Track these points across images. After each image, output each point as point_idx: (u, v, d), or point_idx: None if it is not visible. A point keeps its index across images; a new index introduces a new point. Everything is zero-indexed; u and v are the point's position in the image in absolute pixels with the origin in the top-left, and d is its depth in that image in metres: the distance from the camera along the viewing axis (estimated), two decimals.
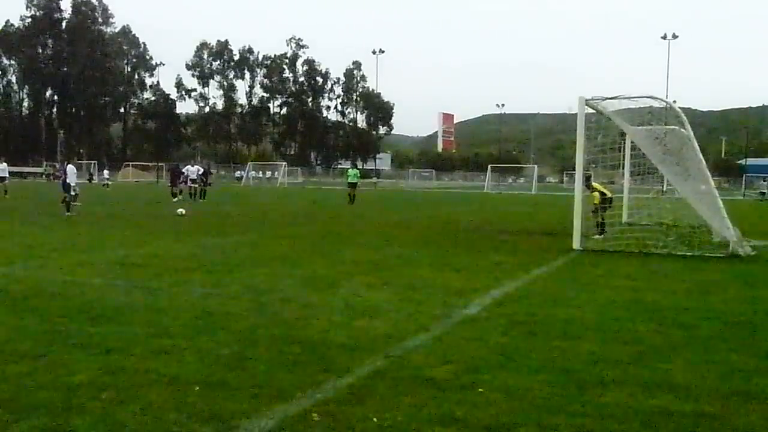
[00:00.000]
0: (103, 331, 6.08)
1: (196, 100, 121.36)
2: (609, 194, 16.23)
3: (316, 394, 4.51)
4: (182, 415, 4.12)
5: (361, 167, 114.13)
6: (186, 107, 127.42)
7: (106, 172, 56.98)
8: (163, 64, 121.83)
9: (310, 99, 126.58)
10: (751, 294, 8.86)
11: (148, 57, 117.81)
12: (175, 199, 31.20)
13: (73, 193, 21.36)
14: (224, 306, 7.34)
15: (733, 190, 69.35)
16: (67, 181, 21.60)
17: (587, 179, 15.85)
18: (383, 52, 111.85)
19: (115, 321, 6.52)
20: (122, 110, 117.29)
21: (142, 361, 5.20)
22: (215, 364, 5.15)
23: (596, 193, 15.69)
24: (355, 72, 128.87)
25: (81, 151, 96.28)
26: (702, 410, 4.34)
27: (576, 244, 13.58)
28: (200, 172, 33.21)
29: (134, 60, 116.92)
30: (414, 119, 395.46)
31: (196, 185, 32.65)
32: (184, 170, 33.09)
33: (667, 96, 77.26)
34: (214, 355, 5.38)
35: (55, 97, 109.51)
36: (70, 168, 22.15)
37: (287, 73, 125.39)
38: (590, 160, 16.15)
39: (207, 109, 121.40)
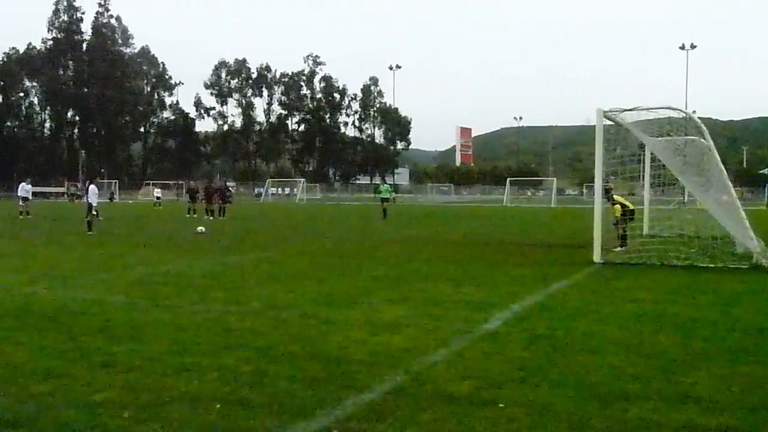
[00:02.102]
0: (124, 350, 6.13)
1: (215, 119, 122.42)
2: (630, 206, 16.12)
3: (336, 411, 4.51)
4: None
5: (378, 183, 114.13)
6: (205, 125, 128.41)
7: (158, 191, 55.73)
8: (182, 84, 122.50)
9: (327, 115, 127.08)
10: None
11: (167, 77, 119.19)
12: (190, 215, 31.70)
13: (93, 212, 21.63)
14: (244, 323, 7.37)
15: (756, 200, 68.44)
16: (88, 200, 21.90)
17: (608, 192, 15.76)
18: (400, 67, 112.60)
19: (137, 339, 6.57)
20: (142, 129, 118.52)
21: (164, 379, 5.24)
22: (236, 382, 5.16)
23: (618, 206, 15.60)
24: (372, 88, 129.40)
25: (102, 170, 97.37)
26: (727, 424, 4.28)
27: (596, 256, 13.48)
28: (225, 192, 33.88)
29: (153, 80, 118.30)
30: (431, 134, 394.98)
31: (218, 203, 33.12)
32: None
33: (686, 106, 76.82)
34: (235, 373, 5.40)
35: (77, 118, 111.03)
36: (92, 188, 22.44)
37: (305, 90, 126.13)
38: (609, 172, 16.07)
39: (226, 127, 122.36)
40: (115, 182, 79.99)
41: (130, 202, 67.25)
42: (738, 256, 13.49)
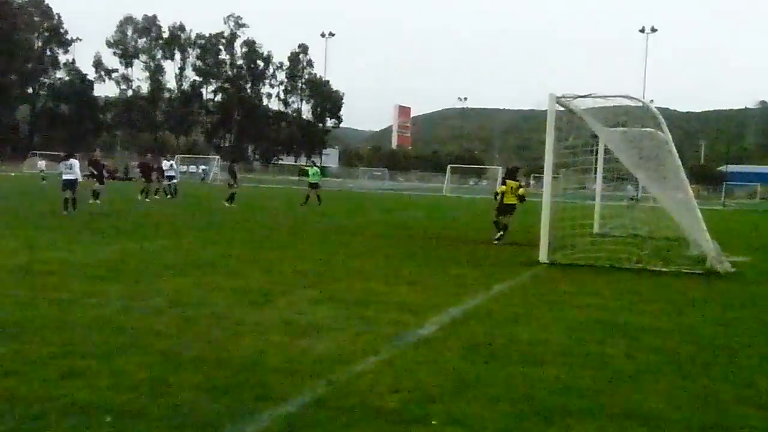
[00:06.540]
0: (2, 351, 5.92)
1: (118, 82, 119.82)
2: (514, 201, 17.60)
3: (248, 426, 4.46)
4: None
5: (308, 165, 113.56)
6: (105, 90, 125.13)
7: (41, 163, 54.81)
8: (80, 40, 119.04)
9: (249, 85, 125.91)
10: (730, 315, 9.11)
11: (62, 31, 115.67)
12: (144, 197, 30.90)
13: None
14: (145, 322, 7.22)
15: (712, 199, 71.34)
16: None
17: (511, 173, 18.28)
18: (333, 35, 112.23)
19: (17, 338, 6.34)
20: (30, 90, 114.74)
21: (47, 385, 5.07)
22: (132, 390, 5.05)
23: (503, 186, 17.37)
24: (300, 56, 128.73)
25: None
26: None
27: (542, 256, 13.76)
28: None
29: (46, 33, 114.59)
30: (366, 111, 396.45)
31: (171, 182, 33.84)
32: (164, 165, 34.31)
33: (643, 95, 79.18)
34: (132, 380, 5.29)
35: None
36: None
37: (224, 55, 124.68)
38: (560, 162, 16.44)
39: (130, 93, 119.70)
40: None
41: (12, 174, 64.84)
42: (692, 260, 13.97)
